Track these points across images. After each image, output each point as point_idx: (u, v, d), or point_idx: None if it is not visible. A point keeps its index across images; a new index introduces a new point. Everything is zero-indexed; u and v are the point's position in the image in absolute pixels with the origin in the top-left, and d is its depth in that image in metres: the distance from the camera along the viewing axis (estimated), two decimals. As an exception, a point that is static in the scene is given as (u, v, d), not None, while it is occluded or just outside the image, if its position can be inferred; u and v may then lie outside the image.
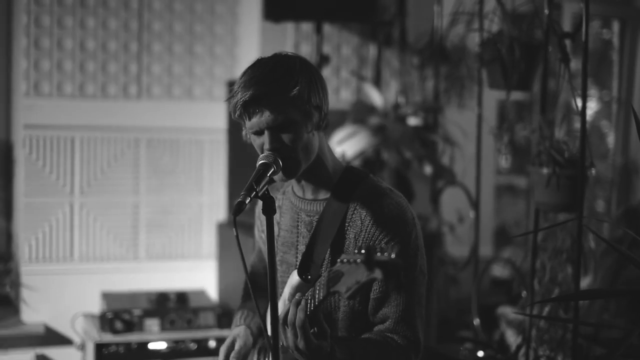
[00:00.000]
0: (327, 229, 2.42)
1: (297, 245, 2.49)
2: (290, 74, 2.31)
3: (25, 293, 4.84)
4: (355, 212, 2.40)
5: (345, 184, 2.45)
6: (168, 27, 5.09)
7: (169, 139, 5.09)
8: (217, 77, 5.15)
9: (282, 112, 2.29)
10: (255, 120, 2.30)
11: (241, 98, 2.29)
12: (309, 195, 2.48)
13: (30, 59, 4.87)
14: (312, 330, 2.22)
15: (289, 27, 5.02)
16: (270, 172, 2.25)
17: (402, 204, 2.40)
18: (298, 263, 2.47)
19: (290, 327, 2.22)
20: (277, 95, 2.28)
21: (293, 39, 5.04)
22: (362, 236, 2.37)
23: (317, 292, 2.21)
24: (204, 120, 5.11)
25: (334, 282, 2.12)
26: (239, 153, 4.71)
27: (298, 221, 2.50)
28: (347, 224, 2.40)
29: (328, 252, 2.41)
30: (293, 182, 2.51)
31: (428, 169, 4.59)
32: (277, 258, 2.52)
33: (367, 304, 2.40)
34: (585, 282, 3.82)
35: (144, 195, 5.06)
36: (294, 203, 2.51)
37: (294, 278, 2.42)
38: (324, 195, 2.46)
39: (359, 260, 2.03)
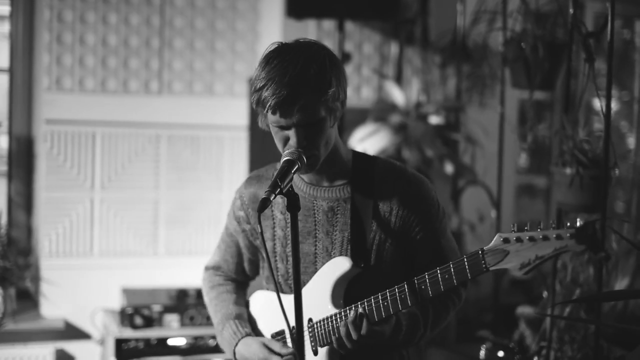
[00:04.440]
0: (364, 214, 2.43)
1: (316, 233, 2.48)
2: (323, 73, 2.29)
3: (45, 287, 4.86)
4: (382, 191, 2.43)
5: (361, 167, 2.47)
6: (189, 23, 5.09)
7: (190, 135, 5.09)
8: (238, 74, 5.15)
9: (312, 111, 2.28)
10: (284, 118, 2.28)
11: (273, 96, 2.25)
12: (325, 182, 2.47)
13: (53, 54, 4.90)
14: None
15: (310, 24, 5.02)
16: (294, 169, 2.25)
17: (420, 176, 2.51)
18: (323, 251, 2.46)
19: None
20: (312, 97, 2.27)
21: (315, 36, 5.03)
22: (395, 212, 2.42)
23: (412, 288, 2.29)
24: (224, 116, 5.12)
25: (495, 261, 2.16)
26: (259, 150, 4.71)
27: (314, 210, 2.48)
28: (378, 205, 2.43)
29: (373, 235, 2.43)
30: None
31: (449, 168, 4.58)
32: (287, 249, 2.51)
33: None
34: (623, 284, 3.81)
35: (164, 191, 5.07)
36: (306, 191, 2.49)
37: (344, 265, 2.41)
38: (340, 181, 2.46)
39: (540, 237, 2.08)
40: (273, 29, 5.03)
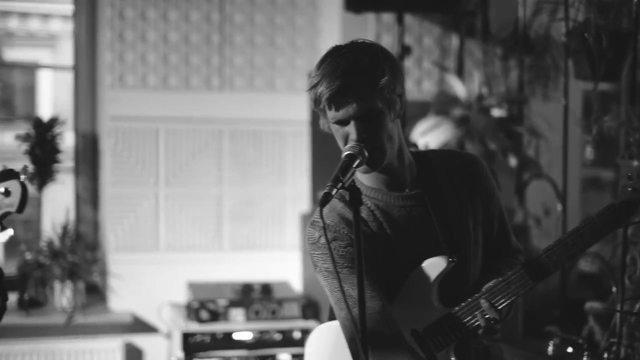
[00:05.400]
0: (447, 210, 2.43)
1: (426, 239, 2.43)
2: (376, 63, 2.29)
3: (112, 281, 4.95)
4: (447, 181, 2.45)
5: (422, 164, 2.47)
6: (249, 19, 5.12)
7: (252, 130, 5.13)
8: (298, 69, 5.17)
9: (369, 103, 2.27)
10: (341, 111, 2.28)
11: (327, 89, 2.26)
12: (406, 189, 2.44)
13: (115, 52, 4.97)
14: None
15: (369, 17, 5.01)
16: (356, 164, 2.23)
17: (471, 154, 2.57)
18: (436, 252, 2.44)
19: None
20: (365, 86, 2.26)
21: (374, 29, 5.03)
22: (465, 197, 2.44)
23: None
24: (286, 111, 5.15)
25: (631, 212, 2.22)
26: (321, 144, 4.73)
27: (411, 217, 2.43)
28: (449, 196, 2.44)
29: (456, 227, 2.43)
30: (372, 183, 2.44)
31: (513, 161, 4.54)
32: (408, 259, 2.45)
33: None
34: None
35: (227, 187, 5.12)
36: (396, 203, 2.43)
37: (440, 264, 2.38)
38: (415, 182, 2.44)
39: None
40: (332, 23, 5.04)
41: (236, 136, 5.12)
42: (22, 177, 1.98)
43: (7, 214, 1.99)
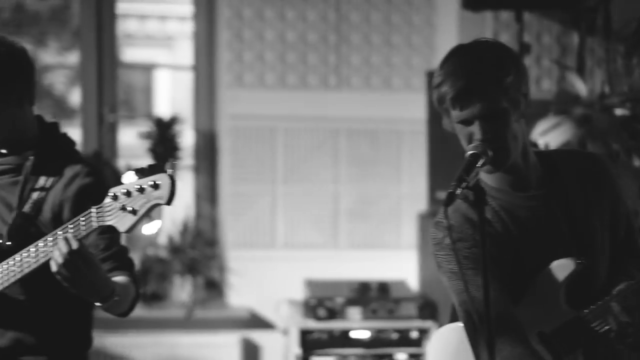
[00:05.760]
0: (574, 210, 2.39)
1: (558, 241, 2.39)
2: (500, 62, 2.26)
3: (230, 277, 5.05)
4: (573, 182, 2.41)
5: (547, 165, 2.43)
6: (365, 17, 5.14)
7: (368, 129, 5.16)
8: (415, 68, 5.16)
9: (494, 102, 2.24)
10: (465, 111, 2.26)
11: (451, 88, 2.24)
12: (532, 189, 2.40)
13: (234, 51, 5.06)
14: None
15: (487, 15, 4.97)
16: (480, 163, 2.21)
17: (593, 153, 2.64)
18: (561, 254, 2.39)
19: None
20: (490, 85, 2.24)
21: (492, 27, 4.98)
22: (593, 197, 2.39)
23: None
24: (403, 110, 5.15)
25: None
26: (439, 144, 4.71)
27: (537, 218, 2.38)
28: (578, 196, 2.39)
29: (585, 227, 2.39)
30: (496, 183, 2.40)
31: (637, 162, 4.44)
32: (534, 260, 2.41)
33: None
34: None
35: (343, 185, 5.16)
36: (520, 203, 2.39)
37: (569, 266, 2.35)
38: (540, 183, 2.40)
39: None
40: (449, 21, 5.02)
41: (353, 135, 5.15)
42: (170, 170, 2.05)
43: (156, 205, 2.06)
